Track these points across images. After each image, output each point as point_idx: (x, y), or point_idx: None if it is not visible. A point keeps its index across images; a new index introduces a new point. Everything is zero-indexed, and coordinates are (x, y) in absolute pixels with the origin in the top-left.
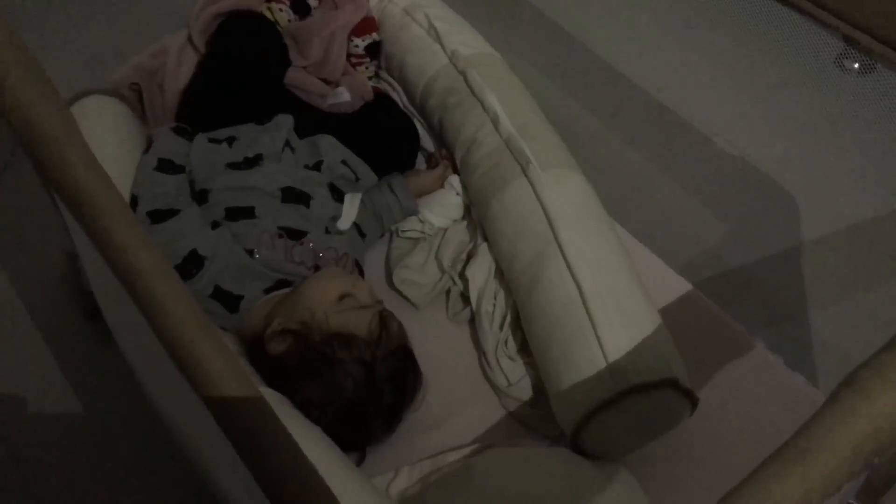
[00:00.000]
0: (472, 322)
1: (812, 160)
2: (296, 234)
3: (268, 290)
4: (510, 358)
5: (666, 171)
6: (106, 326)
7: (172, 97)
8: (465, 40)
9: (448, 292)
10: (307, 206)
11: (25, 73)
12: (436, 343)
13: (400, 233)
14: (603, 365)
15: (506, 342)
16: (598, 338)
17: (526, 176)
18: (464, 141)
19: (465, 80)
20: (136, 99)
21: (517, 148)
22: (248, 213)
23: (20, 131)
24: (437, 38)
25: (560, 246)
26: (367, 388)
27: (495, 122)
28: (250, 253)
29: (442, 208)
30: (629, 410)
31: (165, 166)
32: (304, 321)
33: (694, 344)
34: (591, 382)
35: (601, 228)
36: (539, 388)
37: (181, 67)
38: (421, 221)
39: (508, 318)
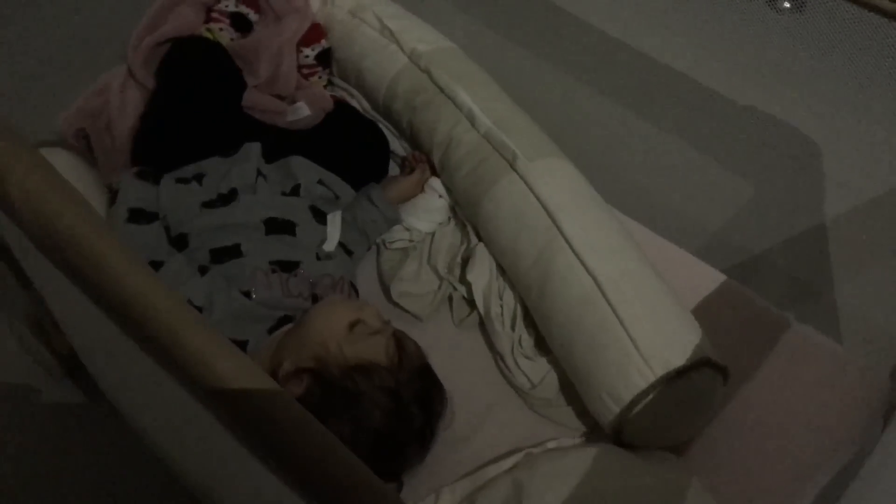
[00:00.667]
0: (481, 325)
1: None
2: (288, 266)
3: (271, 330)
4: (528, 357)
5: (663, 153)
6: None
7: (122, 138)
8: (422, 36)
9: (450, 299)
10: (293, 234)
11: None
12: (448, 353)
13: (387, 244)
14: (636, 356)
15: (520, 341)
16: (625, 330)
17: (514, 170)
18: (440, 142)
19: (431, 79)
20: (85, 145)
21: (499, 142)
22: (234, 252)
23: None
24: (393, 37)
25: (565, 238)
26: (396, 416)
27: (471, 119)
28: (247, 295)
29: (426, 213)
30: (671, 396)
31: (137, 216)
32: (318, 357)
33: (725, 326)
34: (626, 375)
35: (602, 215)
36: (564, 382)
37: (126, 106)
38: (407, 230)
39: (519, 317)
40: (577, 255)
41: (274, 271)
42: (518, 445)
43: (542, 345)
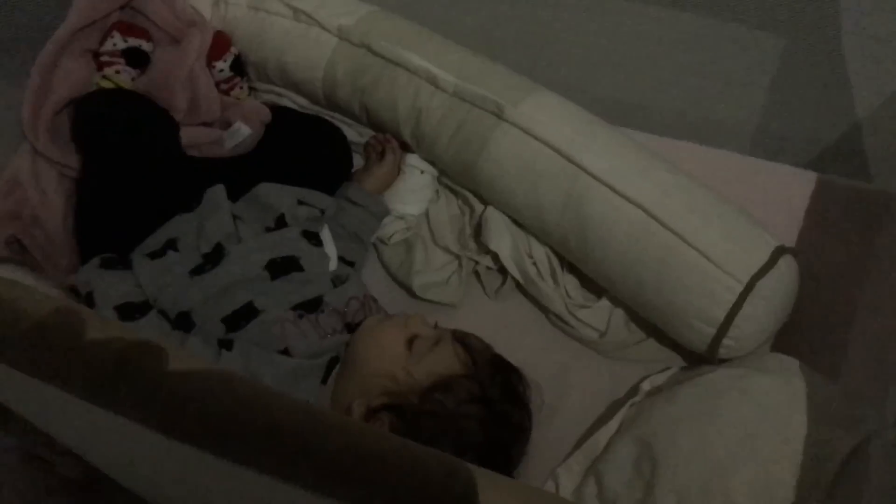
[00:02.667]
0: (518, 290)
1: None
2: (311, 305)
3: (324, 380)
4: (584, 306)
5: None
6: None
7: (59, 232)
8: (340, 9)
9: (476, 273)
10: (300, 269)
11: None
12: (498, 331)
13: (385, 241)
14: (714, 270)
15: (567, 293)
16: (692, 247)
17: (503, 120)
18: (406, 116)
19: (372, 51)
20: (18, 250)
21: (474, 95)
22: (248, 312)
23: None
24: (311, 19)
25: (589, 172)
26: (493, 422)
27: (432, 81)
28: (285, 353)
29: (412, 194)
30: (763, 297)
31: (128, 313)
32: (388, 390)
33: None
34: (712, 294)
35: (613, 137)
36: (632, 318)
37: (48, 194)
38: (399, 218)
39: (556, 268)
40: (608, 186)
41: (301, 316)
42: (611, 399)
43: (591, 286)
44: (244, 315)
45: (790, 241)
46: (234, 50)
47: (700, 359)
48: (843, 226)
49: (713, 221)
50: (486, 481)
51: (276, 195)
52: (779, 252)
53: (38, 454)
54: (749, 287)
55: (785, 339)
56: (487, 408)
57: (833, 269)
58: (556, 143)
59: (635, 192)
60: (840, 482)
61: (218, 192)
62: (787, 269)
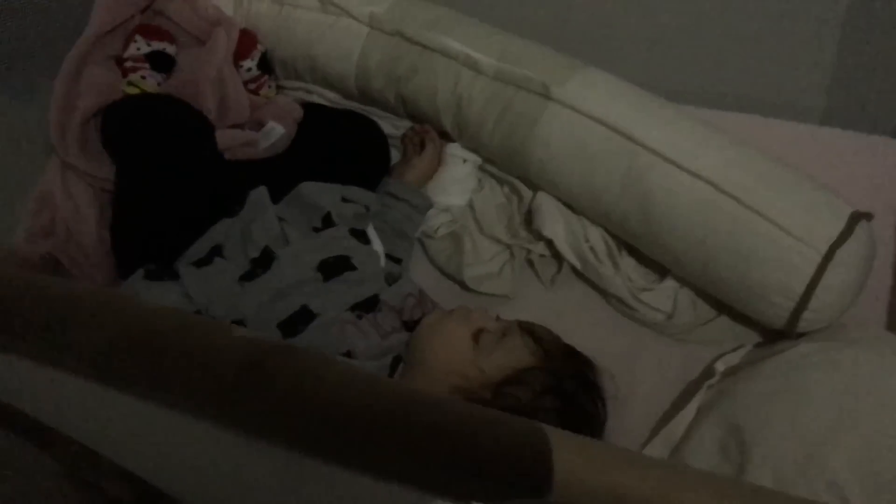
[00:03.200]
0: (575, 275)
1: None
2: (369, 305)
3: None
4: (647, 289)
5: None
6: None
7: (95, 246)
8: None
9: (530, 262)
10: (353, 268)
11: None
12: (561, 320)
13: (432, 234)
14: (789, 241)
15: (629, 277)
16: (765, 218)
17: (552, 100)
18: (446, 103)
19: (406, 39)
20: (53, 266)
21: (518, 77)
22: (305, 316)
23: None
24: (340, 9)
25: (648, 148)
26: (571, 412)
27: (472, 66)
28: (348, 355)
29: (457, 185)
30: (843, 265)
31: None
32: (459, 388)
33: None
34: (790, 266)
35: (667, 109)
36: (699, 297)
37: (81, 208)
38: (444, 210)
39: (615, 251)
40: (670, 161)
41: (360, 317)
42: (683, 382)
43: (651, 266)
44: (300, 319)
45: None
46: (260, 47)
47: (775, 334)
48: None
49: (784, 191)
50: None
51: (320, 194)
52: (855, 218)
53: (85, 478)
54: (828, 256)
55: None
56: (563, 399)
57: None
58: (609, 120)
59: (699, 166)
60: None
61: (261, 194)
62: (864, 235)
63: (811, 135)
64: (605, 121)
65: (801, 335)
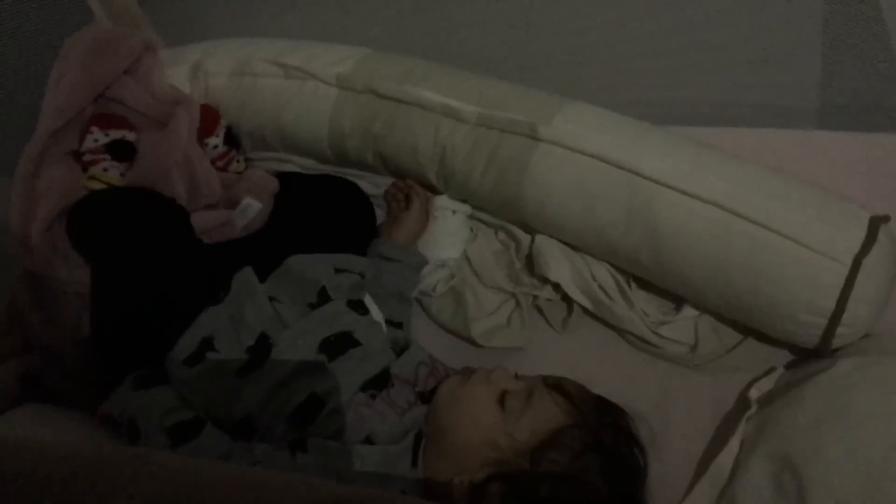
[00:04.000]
0: (587, 317)
1: None
2: (380, 381)
3: (415, 461)
4: (665, 322)
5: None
6: None
7: (74, 355)
8: (333, 58)
9: (538, 308)
10: (357, 344)
11: None
12: (578, 365)
13: (431, 292)
14: (814, 257)
15: (644, 313)
16: (781, 235)
17: (540, 140)
18: (429, 156)
19: (379, 95)
20: (35, 385)
21: (502, 121)
22: (315, 405)
23: None
24: (305, 73)
25: (649, 178)
26: (614, 469)
27: (452, 114)
28: (368, 441)
29: (449, 237)
30: (872, 273)
31: (182, 435)
32: (491, 459)
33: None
34: (816, 283)
35: (661, 134)
36: (721, 322)
37: (53, 318)
38: (441, 265)
39: (625, 287)
40: (673, 188)
41: (373, 396)
42: (717, 414)
43: (666, 296)
44: (310, 408)
45: None
46: (224, 122)
47: (805, 352)
48: None
49: (797, 204)
50: None
51: (312, 267)
52: (876, 223)
53: None
54: (855, 267)
55: None
56: (604, 455)
57: None
58: (603, 153)
59: (705, 189)
60: None
61: (248, 275)
62: (887, 239)
63: (807, 140)
64: (597, 154)
65: (835, 350)
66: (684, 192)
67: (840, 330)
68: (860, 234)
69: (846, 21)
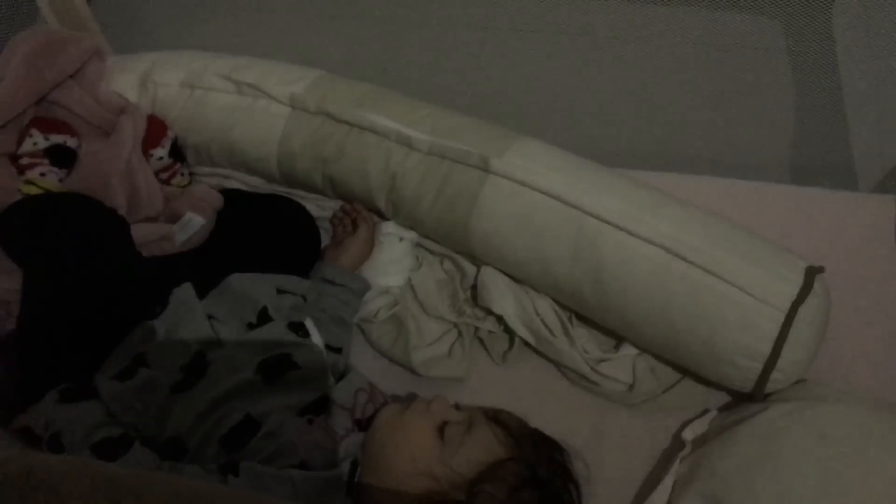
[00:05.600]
0: (527, 350)
1: None
2: (319, 407)
3: (350, 489)
4: (604, 359)
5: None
6: None
7: None
8: (287, 77)
9: (479, 339)
10: (296, 367)
11: None
12: (516, 399)
13: (372, 318)
14: (752, 302)
15: (583, 348)
16: (722, 279)
17: (491, 173)
18: (379, 182)
19: (332, 118)
20: None
21: (454, 151)
22: (249, 427)
23: None
24: (258, 91)
25: (596, 216)
26: (549, 500)
27: (405, 142)
28: (304, 468)
29: (395, 265)
30: (806, 321)
31: (108, 451)
32: (429, 490)
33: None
34: (753, 327)
35: (610, 175)
36: (658, 364)
37: None
38: (384, 292)
39: (566, 323)
40: (621, 229)
41: (311, 421)
42: (651, 454)
43: (607, 334)
44: (244, 431)
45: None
46: (171, 134)
47: (740, 396)
48: None
49: (738, 250)
50: None
51: (253, 286)
52: (812, 273)
53: None
54: (791, 314)
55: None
56: (540, 488)
57: None
58: (553, 189)
59: (650, 231)
60: None
61: (186, 292)
62: (822, 290)
63: (768, 193)
64: (547, 190)
65: (768, 395)
66: (630, 233)
67: (774, 375)
68: (798, 282)
69: (809, 88)
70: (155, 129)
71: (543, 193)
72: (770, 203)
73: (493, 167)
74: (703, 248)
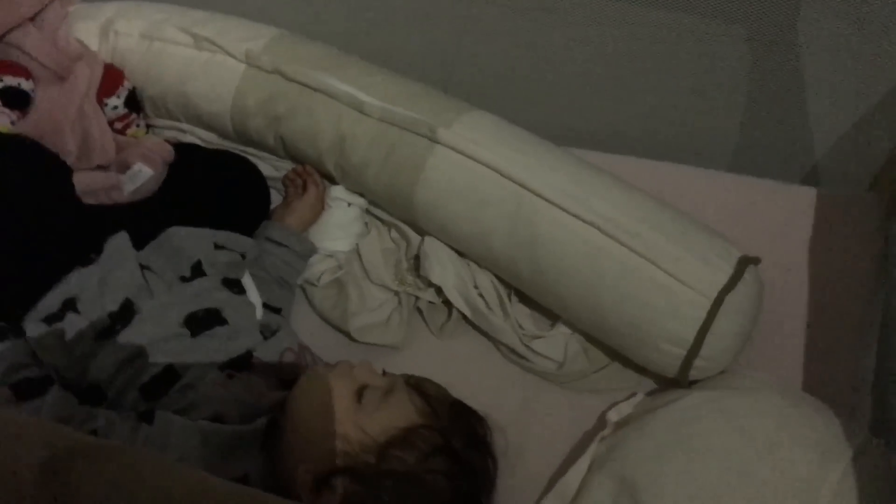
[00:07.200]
0: (465, 323)
1: None
2: (241, 362)
3: (265, 446)
4: (538, 336)
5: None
6: None
7: None
8: (246, 34)
9: (419, 310)
10: (223, 322)
11: None
12: (449, 371)
13: (315, 282)
14: (680, 288)
15: (519, 324)
16: (654, 265)
17: (437, 143)
18: (329, 145)
19: (286, 77)
20: None
21: (404, 119)
22: (169, 377)
23: None
24: (215, 45)
25: (536, 193)
26: (461, 474)
27: (356, 106)
28: (218, 419)
29: (341, 229)
30: (733, 310)
31: (27, 391)
32: (339, 451)
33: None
34: (679, 313)
35: (556, 153)
36: (591, 344)
37: None
38: (328, 256)
39: (504, 298)
40: (559, 206)
41: (231, 376)
42: (577, 433)
43: (542, 314)
44: (164, 381)
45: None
46: (127, 84)
47: (668, 382)
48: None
49: (672, 235)
50: None
51: (190, 240)
52: (744, 263)
53: None
54: (718, 302)
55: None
56: (452, 459)
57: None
58: (496, 164)
59: (586, 211)
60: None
61: (121, 241)
62: (753, 280)
63: (715, 180)
64: (491, 164)
65: (693, 382)
66: (566, 210)
67: (697, 362)
68: (728, 271)
69: (764, 72)
70: (111, 78)
71: (487, 166)
72: (718, 191)
73: (441, 137)
74: (637, 231)
